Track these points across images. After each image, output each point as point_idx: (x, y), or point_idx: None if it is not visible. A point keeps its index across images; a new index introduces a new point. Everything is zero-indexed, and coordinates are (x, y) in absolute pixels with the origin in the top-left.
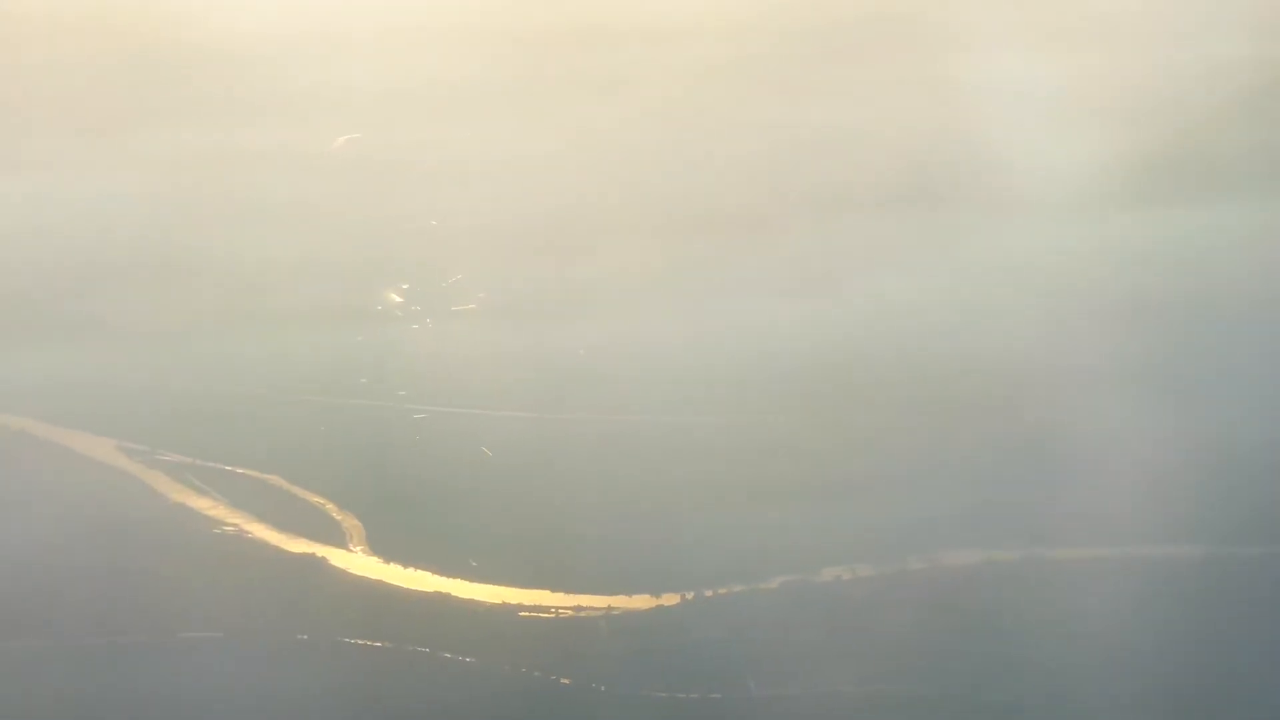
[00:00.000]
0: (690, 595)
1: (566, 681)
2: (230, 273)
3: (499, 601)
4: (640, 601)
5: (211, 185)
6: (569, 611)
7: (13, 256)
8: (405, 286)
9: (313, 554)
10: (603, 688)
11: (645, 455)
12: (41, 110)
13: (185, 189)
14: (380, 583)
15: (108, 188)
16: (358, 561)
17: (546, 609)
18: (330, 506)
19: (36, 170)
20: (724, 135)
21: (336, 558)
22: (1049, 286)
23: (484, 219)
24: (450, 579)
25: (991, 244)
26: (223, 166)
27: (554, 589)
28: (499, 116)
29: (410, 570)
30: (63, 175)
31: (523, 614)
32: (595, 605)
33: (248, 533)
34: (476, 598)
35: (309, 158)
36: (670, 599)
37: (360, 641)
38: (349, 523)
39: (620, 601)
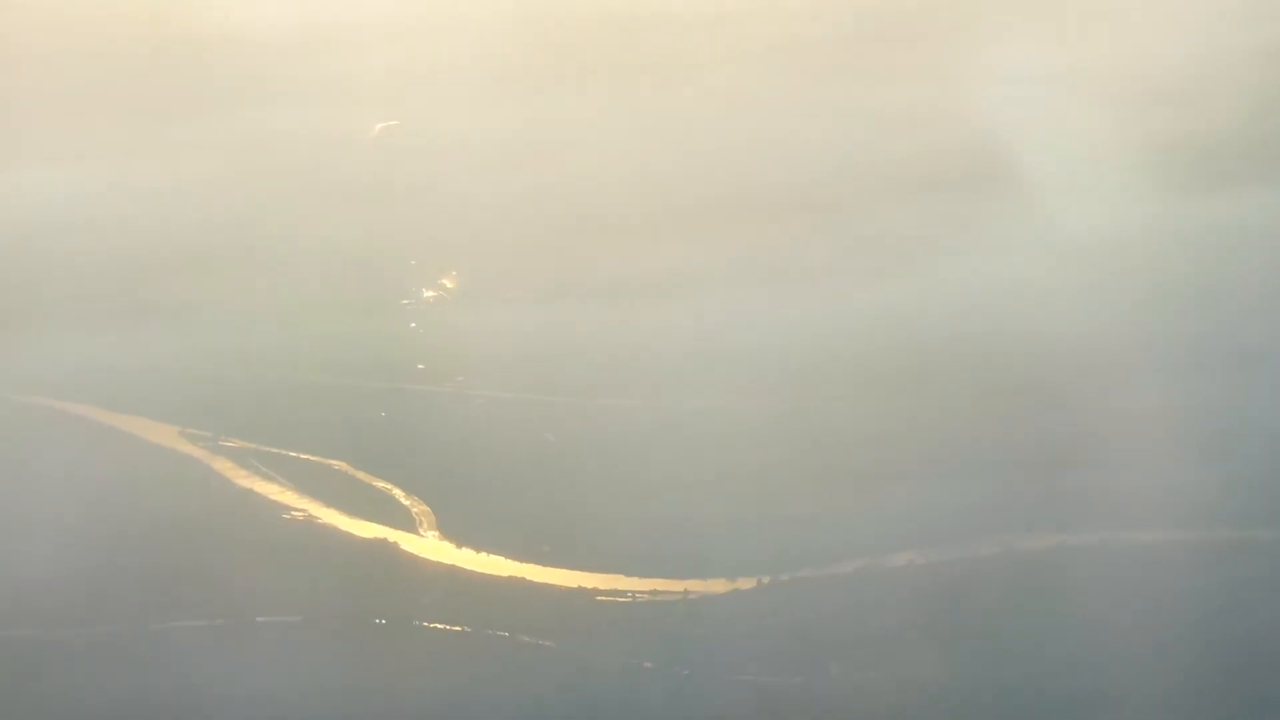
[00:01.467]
0: (766, 579)
1: (649, 666)
2: (286, 259)
3: (575, 586)
4: (716, 586)
5: (261, 171)
6: (646, 596)
7: (69, 245)
8: (461, 271)
9: (384, 539)
10: (686, 671)
11: (715, 440)
12: (92, 98)
13: (236, 175)
14: (454, 567)
15: (159, 175)
16: (430, 546)
17: (623, 593)
18: (397, 492)
19: (89, 158)
20: (783, 118)
21: (408, 542)
22: (1113, 269)
23: (542, 204)
24: (523, 563)
25: (1053, 226)
26: (271, 152)
27: (628, 573)
28: (553, 101)
29: (483, 555)
30: (113, 163)
31: (600, 598)
32: (672, 590)
33: (317, 518)
34: (552, 582)
35: (355, 143)
36: (746, 583)
37: (438, 626)
38: (418, 508)
39: (696, 586)
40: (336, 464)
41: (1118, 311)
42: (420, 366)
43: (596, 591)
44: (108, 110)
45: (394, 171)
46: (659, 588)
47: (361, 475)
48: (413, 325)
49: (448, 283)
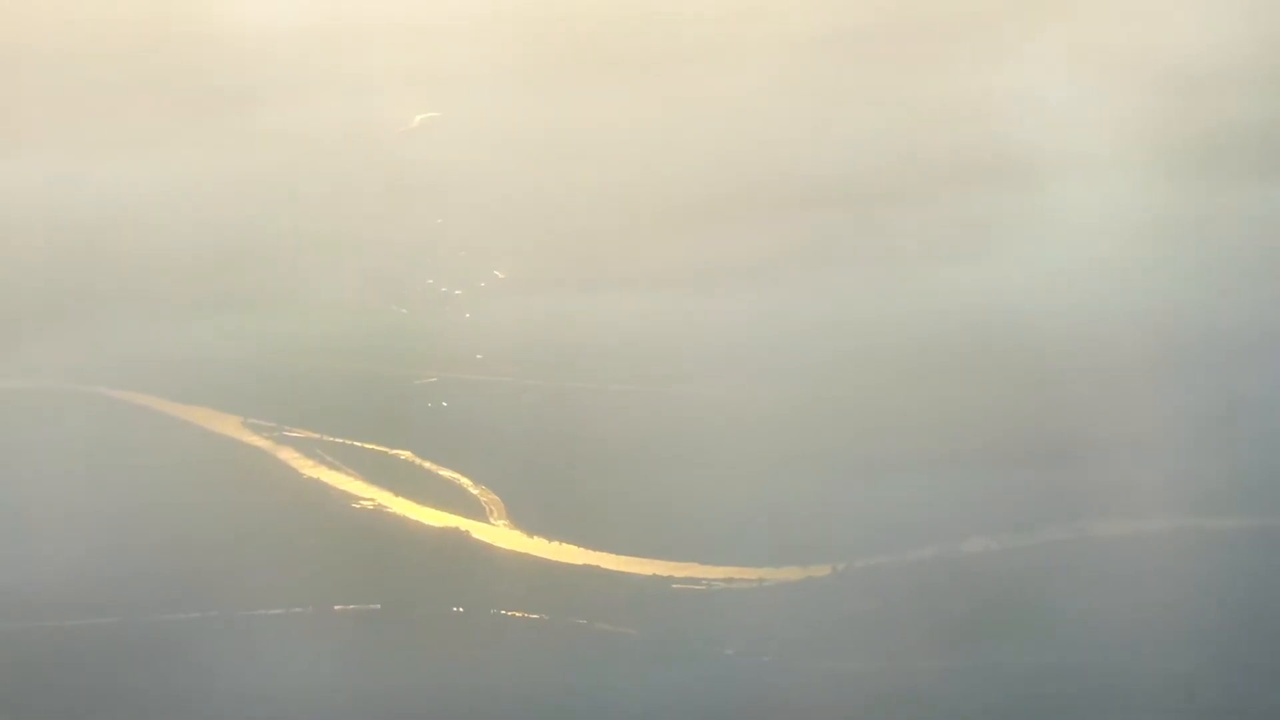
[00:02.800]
0: (840, 566)
1: (730, 653)
2: (343, 250)
3: (650, 574)
4: (790, 573)
5: (314, 164)
6: (721, 584)
7: (130, 237)
8: (515, 262)
9: (456, 528)
10: (767, 658)
11: (783, 427)
12: (145, 90)
13: (291, 168)
14: (527, 555)
15: (215, 167)
16: (502, 535)
17: (699, 581)
18: (465, 481)
19: (141, 152)
20: (823, 108)
21: (480, 531)
22: (1163, 255)
23: (595, 195)
24: (596, 551)
25: (1107, 213)
26: (321, 145)
27: (702, 561)
28: (595, 93)
29: (555, 544)
30: (167, 156)
31: (676, 586)
32: (747, 577)
33: (386, 507)
34: (626, 570)
35: (402, 137)
36: (820, 570)
37: (517, 614)
38: (486, 497)
39: (771, 573)
40: (403, 454)
41: (1174, 297)
42: (478, 357)
43: (672, 579)
44: (164, 103)
45: (444, 164)
46: (734, 575)
47: (428, 465)
48: (467, 316)
49: (500, 273)
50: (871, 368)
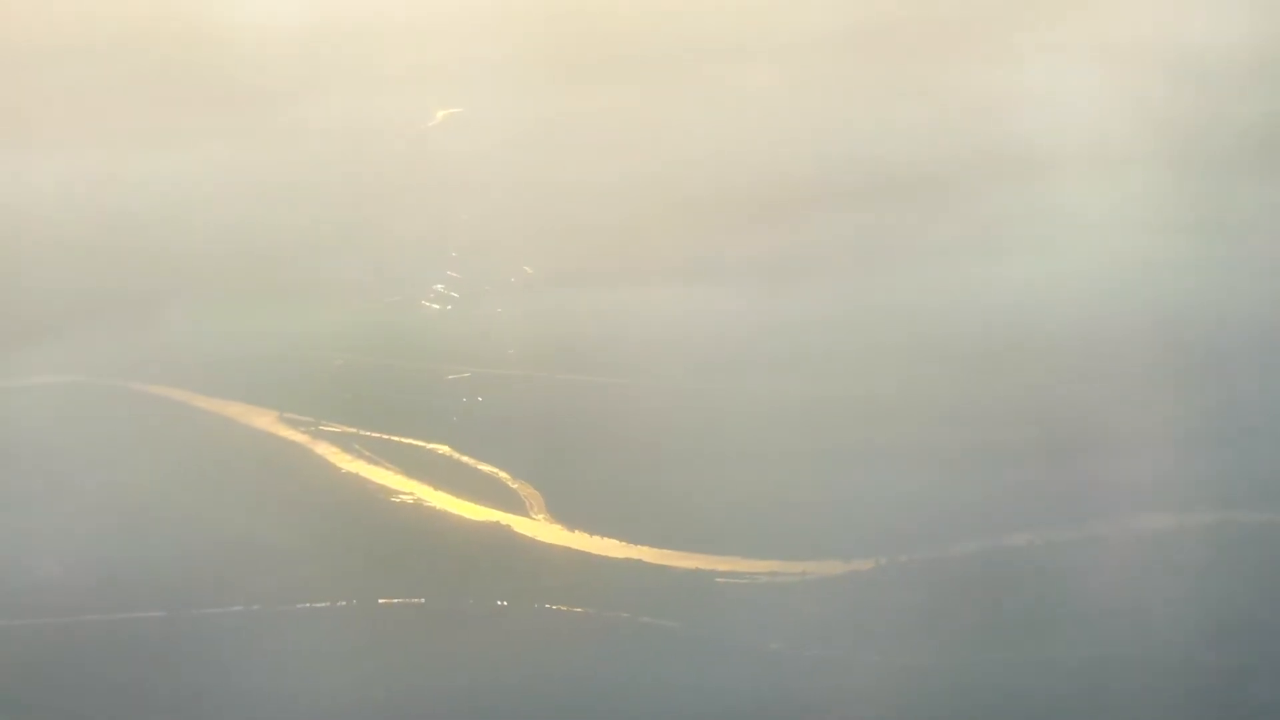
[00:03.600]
0: (883, 560)
1: (776, 646)
2: (376, 245)
3: (692, 568)
4: (833, 567)
5: (351, 159)
6: (765, 577)
7: (162, 232)
8: (550, 257)
9: (497, 521)
10: (813, 652)
11: (824, 421)
12: (179, 86)
13: (327, 163)
14: (569, 549)
15: (248, 162)
16: (543, 529)
17: (742, 575)
18: (504, 475)
19: (173, 145)
20: (872, 101)
21: (521, 525)
22: (1237, 248)
23: (634, 189)
24: (637, 545)
25: (1186, 202)
26: (359, 140)
27: (743, 555)
28: (633, 87)
29: (595, 538)
30: (200, 150)
31: (719, 580)
32: (789, 571)
33: (426, 501)
34: (668, 564)
35: (440, 132)
36: (862, 564)
37: (561, 607)
38: (525, 491)
39: (813, 567)
40: (440, 448)
41: (1212, 291)
42: (511, 351)
43: (715, 573)
44: (198, 99)
45: (474, 159)
46: (777, 569)
47: (466, 459)
48: (499, 310)
49: (531, 268)
50: (910, 361)
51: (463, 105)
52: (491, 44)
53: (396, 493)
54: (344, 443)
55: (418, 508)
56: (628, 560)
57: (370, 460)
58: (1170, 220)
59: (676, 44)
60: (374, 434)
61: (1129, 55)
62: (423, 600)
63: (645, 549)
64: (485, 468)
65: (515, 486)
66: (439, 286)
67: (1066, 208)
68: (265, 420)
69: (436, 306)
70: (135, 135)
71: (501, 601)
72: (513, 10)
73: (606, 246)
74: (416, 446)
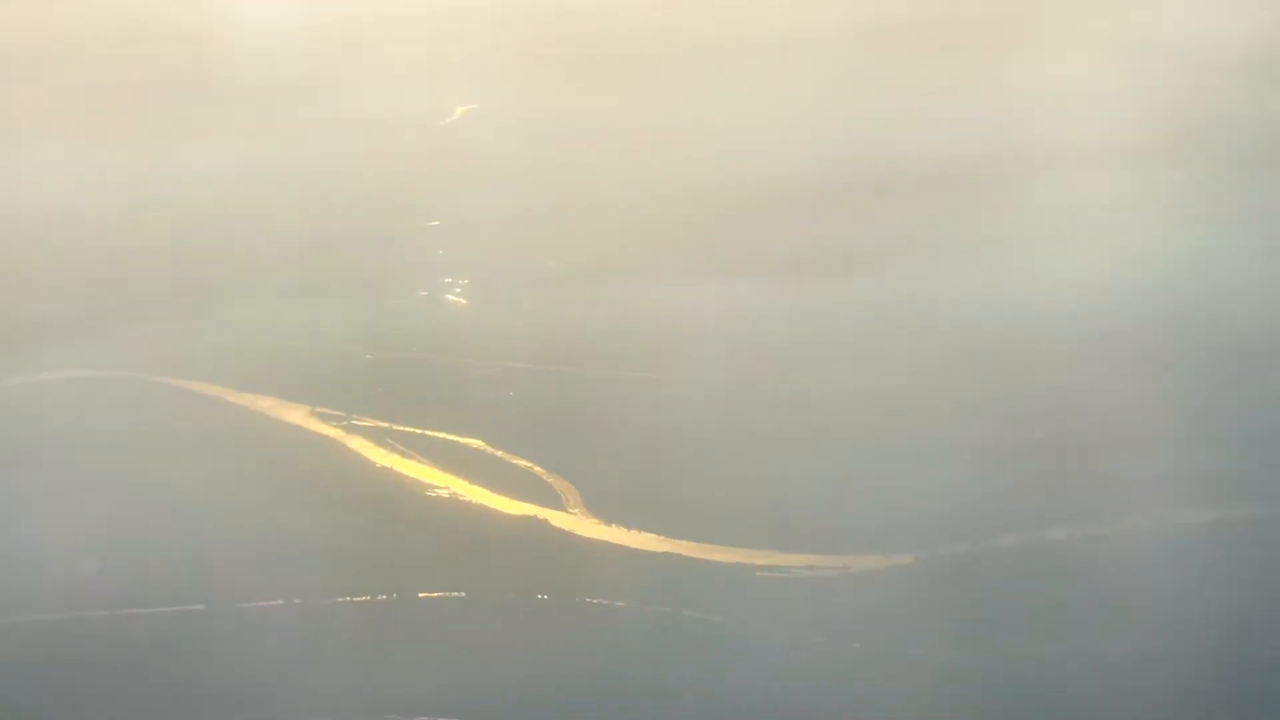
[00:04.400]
0: (924, 554)
1: (819, 640)
2: (408, 240)
3: (731, 561)
4: (873, 561)
5: (385, 154)
6: (804, 571)
7: (192, 229)
8: (589, 251)
9: (534, 515)
10: (858, 645)
11: (863, 414)
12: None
13: (361, 158)
14: (606, 543)
15: (281, 159)
16: (580, 523)
17: (781, 569)
18: (539, 470)
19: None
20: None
21: (558, 519)
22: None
23: (680, 184)
24: (675, 540)
25: (1219, 197)
26: (393, 135)
27: (783, 550)
28: (673, 81)
29: (633, 532)
30: (222, 147)
31: (759, 574)
32: (829, 565)
33: (462, 496)
34: (707, 558)
35: (482, 126)
36: (903, 558)
37: (601, 601)
38: (561, 485)
39: (853, 561)
40: (474, 443)
41: (1256, 284)
42: (545, 346)
43: (755, 567)
44: (226, 96)
45: (509, 154)
46: (816, 563)
47: (500, 454)
48: (528, 305)
49: (560, 263)
50: (947, 355)
51: (486, 100)
52: (515, 40)
53: (432, 487)
54: (377, 437)
55: (453, 502)
56: (666, 554)
57: (404, 455)
58: (1205, 214)
59: (702, 39)
60: (406, 428)
61: (1156, 49)
62: (463, 594)
63: (683, 543)
64: (520, 462)
65: (550, 481)
66: (466, 281)
67: (1102, 202)
68: (297, 415)
69: (464, 301)
70: (166, 131)
71: (542, 595)
72: (536, 6)
73: (638, 241)
74: (450, 441)
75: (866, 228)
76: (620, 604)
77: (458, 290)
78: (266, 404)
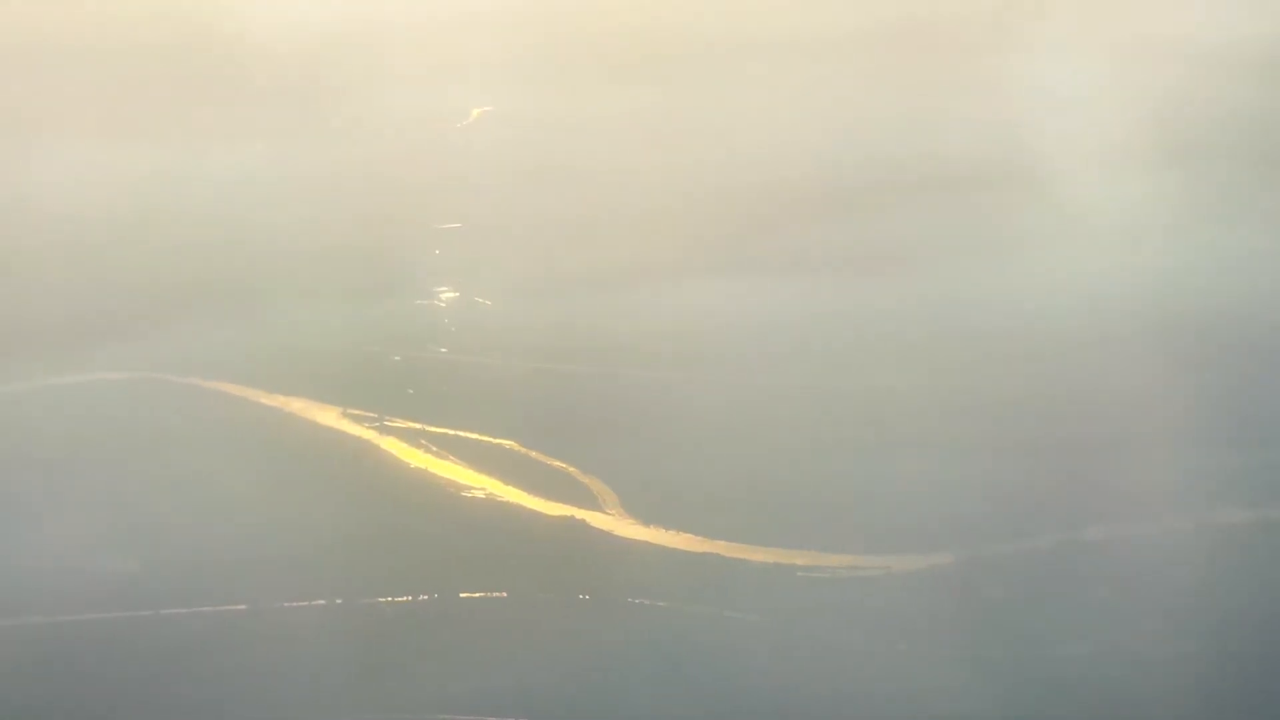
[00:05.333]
0: (964, 554)
1: (867, 640)
2: (444, 240)
3: (771, 562)
4: (913, 561)
5: (417, 155)
6: (846, 572)
7: (220, 229)
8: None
9: (572, 516)
10: (903, 646)
11: (898, 416)
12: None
13: (396, 159)
14: (646, 544)
15: (313, 161)
16: (618, 524)
17: (823, 569)
18: (573, 470)
19: (232, 142)
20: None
21: (595, 520)
22: None
23: (717, 181)
24: (713, 540)
25: (1264, 196)
26: (425, 135)
27: (823, 550)
28: (720, 79)
29: (671, 532)
30: (256, 147)
31: (800, 574)
32: (871, 565)
33: (498, 496)
34: (747, 558)
35: (511, 124)
36: (943, 558)
37: (644, 601)
38: (596, 486)
39: (895, 562)
40: (507, 444)
41: None
42: (575, 347)
43: (796, 567)
44: (252, 97)
45: (548, 154)
46: (857, 563)
47: (534, 455)
48: (554, 306)
49: (591, 264)
50: (984, 354)
51: (509, 101)
52: (539, 40)
53: (467, 488)
54: (410, 438)
55: (490, 503)
56: (705, 554)
57: (438, 455)
58: (1236, 214)
59: (724, 39)
60: (439, 429)
61: (1178, 49)
62: (505, 594)
63: (722, 543)
64: (554, 463)
65: (585, 482)
66: (495, 282)
67: (1133, 201)
68: (329, 417)
69: (491, 303)
70: (196, 132)
71: (584, 595)
72: (562, 6)
73: (670, 241)
74: (482, 442)
75: (897, 227)
76: (662, 604)
77: (486, 291)
78: (298, 405)
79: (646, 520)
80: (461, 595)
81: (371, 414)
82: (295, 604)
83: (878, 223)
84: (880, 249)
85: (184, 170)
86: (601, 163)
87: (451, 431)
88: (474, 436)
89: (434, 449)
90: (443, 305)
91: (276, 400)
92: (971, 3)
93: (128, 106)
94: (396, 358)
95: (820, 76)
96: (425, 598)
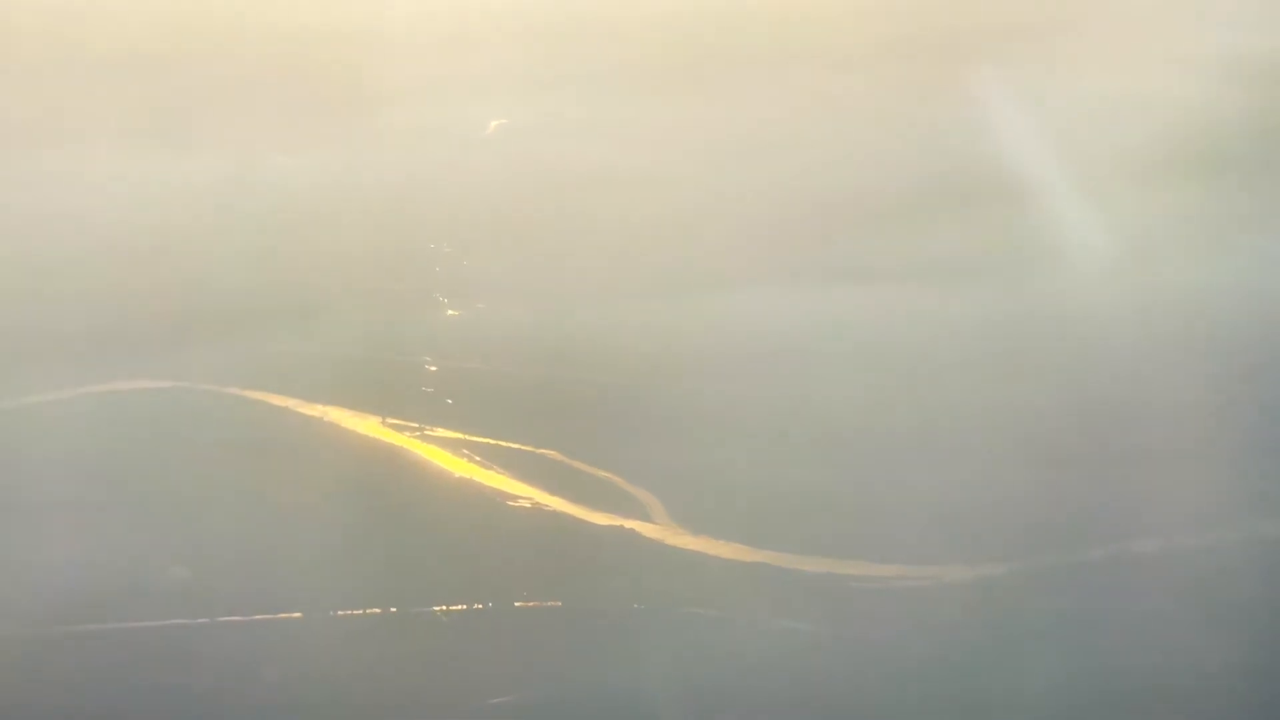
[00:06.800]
0: (1014, 566)
1: (917, 650)
2: (482, 248)
3: (823, 571)
4: (962, 572)
5: (463, 161)
6: (897, 581)
7: (261, 238)
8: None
9: (621, 525)
10: (956, 656)
11: (943, 427)
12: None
13: (436, 166)
14: (696, 553)
15: (351, 167)
16: (668, 533)
17: (874, 579)
18: (619, 480)
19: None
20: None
21: (645, 530)
22: None
23: (764, 193)
24: (762, 550)
25: None
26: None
27: (874, 560)
28: (786, 90)
29: (720, 542)
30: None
31: (852, 584)
32: (921, 575)
33: (545, 506)
34: (798, 567)
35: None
36: (993, 569)
37: (698, 611)
38: (643, 496)
39: (944, 572)
40: (550, 453)
41: None
42: (616, 358)
43: (848, 577)
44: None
45: (591, 163)
46: (906, 574)
47: (578, 465)
48: (594, 316)
49: (635, 275)
50: (1034, 365)
51: (554, 108)
52: (612, 49)
53: (513, 497)
54: (452, 448)
55: (537, 513)
56: (756, 564)
57: (482, 465)
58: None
59: (789, 49)
60: (481, 439)
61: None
62: (559, 603)
63: (771, 553)
64: (600, 473)
65: (633, 492)
66: (529, 292)
67: (1189, 210)
68: (369, 425)
69: (527, 313)
70: (237, 143)
71: (637, 605)
72: (639, 14)
73: (716, 251)
74: (526, 451)
75: (949, 238)
76: (714, 613)
77: (522, 301)
78: (338, 415)
79: (695, 530)
80: (516, 604)
81: (412, 423)
82: (350, 611)
83: (925, 233)
84: (932, 260)
85: (226, 181)
86: (650, 173)
87: (493, 441)
88: (516, 446)
89: (477, 458)
90: (478, 315)
91: (316, 410)
92: (1015, 14)
93: (174, 117)
94: (433, 367)
95: (869, 88)
96: (480, 606)
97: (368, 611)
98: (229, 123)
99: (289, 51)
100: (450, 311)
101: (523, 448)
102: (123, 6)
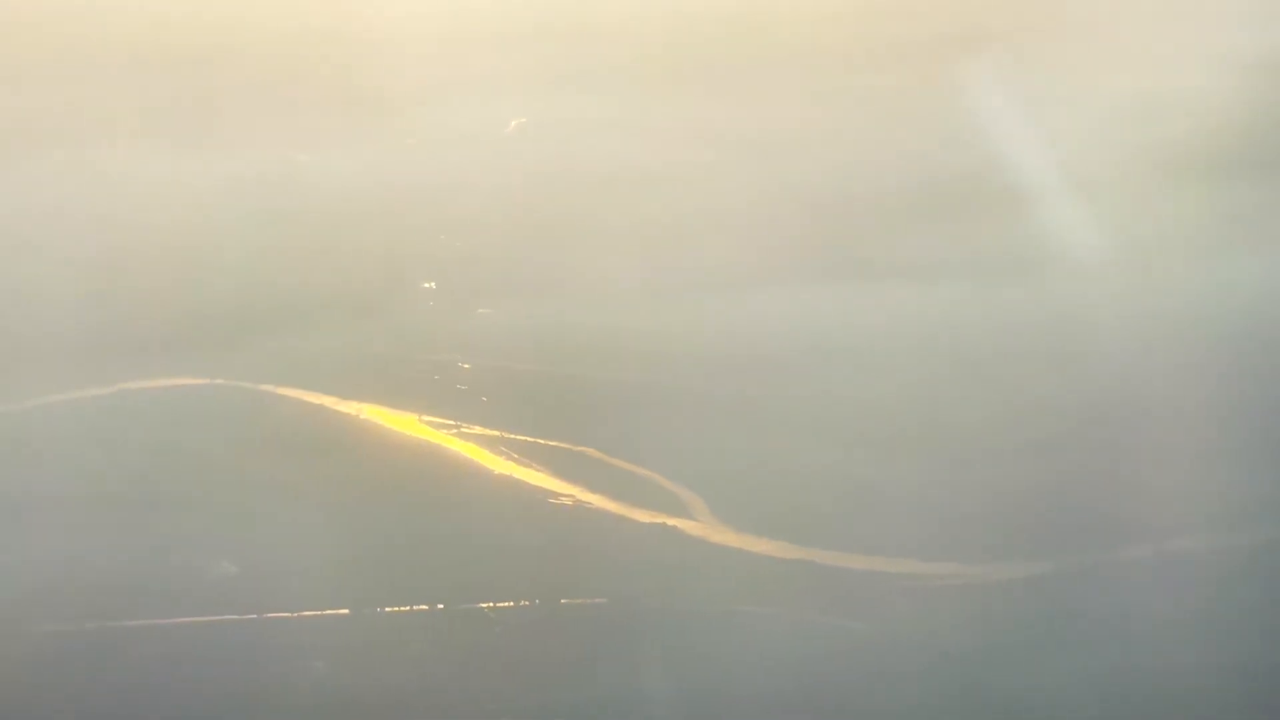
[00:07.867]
0: (1060, 563)
1: (967, 648)
2: (517, 249)
3: (871, 569)
4: (1009, 570)
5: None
6: (943, 579)
7: (292, 236)
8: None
9: (664, 523)
10: (1004, 653)
11: (989, 422)
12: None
13: (455, 168)
14: (740, 551)
15: (383, 167)
16: (711, 530)
17: (923, 577)
18: (660, 478)
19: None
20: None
21: (688, 527)
22: None
23: (792, 191)
24: (807, 548)
25: None
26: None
27: (921, 558)
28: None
29: (764, 539)
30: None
31: (899, 582)
32: (967, 574)
33: (586, 503)
34: (844, 565)
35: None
36: (1040, 566)
37: (749, 608)
38: (685, 494)
39: (991, 570)
40: (589, 451)
41: None
42: (654, 357)
43: (896, 575)
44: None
45: (633, 161)
46: (955, 572)
47: (617, 462)
48: (618, 312)
49: (680, 272)
50: (1074, 362)
51: (599, 107)
52: (654, 47)
53: (555, 495)
54: (490, 445)
55: (579, 510)
56: (801, 561)
57: (520, 463)
58: None
59: (805, 49)
60: (519, 436)
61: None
62: (604, 600)
63: (817, 551)
64: (640, 471)
65: (674, 489)
66: (569, 291)
67: (1225, 209)
68: (406, 423)
69: (554, 311)
70: (263, 141)
71: (683, 602)
72: (654, 14)
73: (755, 249)
74: (564, 449)
75: (984, 236)
76: (761, 610)
77: (552, 300)
78: (373, 412)
79: (739, 528)
80: (563, 601)
81: (449, 421)
82: (396, 609)
83: (961, 232)
84: (973, 257)
85: (258, 180)
86: (692, 171)
87: (532, 439)
88: (554, 444)
89: (516, 456)
90: (511, 314)
91: (350, 407)
92: (1021, 14)
93: (209, 116)
94: (466, 365)
95: (903, 85)
96: (526, 603)
97: (415, 608)
98: (258, 123)
99: (310, 53)
100: (481, 310)
101: (560, 445)
102: (137, 4)
